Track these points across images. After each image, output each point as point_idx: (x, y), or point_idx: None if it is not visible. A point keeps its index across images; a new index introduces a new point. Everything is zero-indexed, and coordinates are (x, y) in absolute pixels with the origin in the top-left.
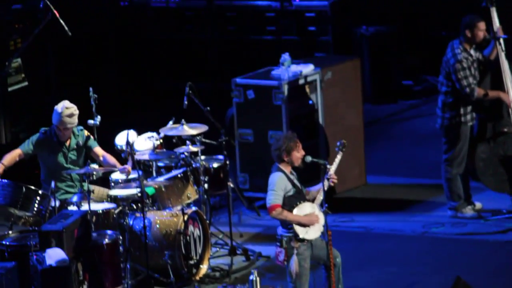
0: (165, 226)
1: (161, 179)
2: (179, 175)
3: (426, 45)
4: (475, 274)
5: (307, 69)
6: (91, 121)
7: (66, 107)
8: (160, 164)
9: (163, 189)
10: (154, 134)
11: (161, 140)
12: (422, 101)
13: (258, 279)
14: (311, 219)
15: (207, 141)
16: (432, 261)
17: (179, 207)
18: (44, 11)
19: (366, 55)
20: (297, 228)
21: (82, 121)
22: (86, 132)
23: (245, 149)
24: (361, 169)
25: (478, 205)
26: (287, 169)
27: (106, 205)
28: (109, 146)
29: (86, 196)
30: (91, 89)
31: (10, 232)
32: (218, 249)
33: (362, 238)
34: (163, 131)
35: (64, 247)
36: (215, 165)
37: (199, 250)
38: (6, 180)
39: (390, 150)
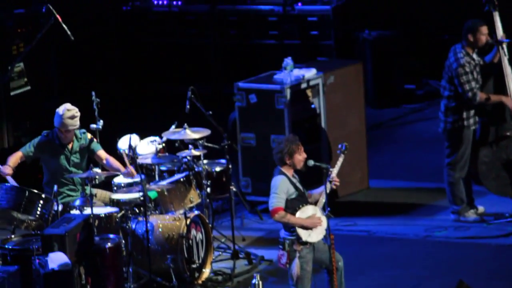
0: (168, 230)
1: (163, 183)
2: (181, 179)
3: (428, 49)
4: (477, 277)
5: (310, 73)
6: (93, 125)
7: (68, 109)
8: (163, 168)
9: (165, 193)
10: (157, 138)
11: (164, 144)
12: (424, 105)
13: (260, 283)
14: (313, 222)
15: (210, 145)
16: (435, 265)
17: (181, 211)
18: (46, 16)
19: (368, 59)
20: (300, 231)
21: (85, 125)
22: (89, 135)
23: (247, 153)
24: (363, 173)
25: (481, 209)
26: (289, 172)
27: (109, 209)
28: (111, 150)
29: (88, 200)
30: (93, 93)
31: (13, 236)
32: (220, 253)
33: (365, 242)
34: (166, 135)
35: (66, 251)
36: (218, 169)
37: (202, 254)
38: (9, 184)
39: (393, 154)
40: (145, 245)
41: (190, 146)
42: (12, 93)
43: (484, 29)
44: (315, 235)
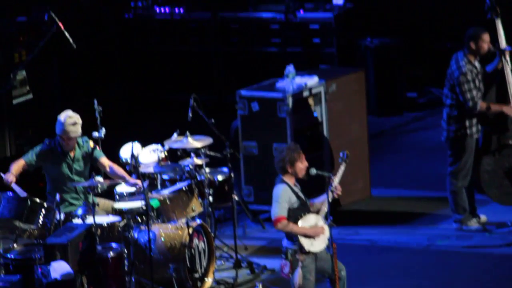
0: (170, 239)
1: (165, 191)
2: (183, 188)
3: (430, 57)
4: (480, 287)
5: (312, 81)
6: (95, 134)
7: (69, 116)
8: (165, 176)
9: (167, 202)
10: (159, 146)
11: (166, 153)
12: (426, 113)
13: None
14: (316, 231)
15: (212, 153)
16: (437, 274)
17: (183, 220)
18: (49, 24)
19: (370, 67)
20: (303, 240)
21: (87, 134)
22: (91, 143)
23: (249, 161)
24: (365, 182)
25: (483, 218)
26: (291, 181)
27: (111, 218)
28: (114, 159)
29: (91, 209)
30: (95, 101)
31: (15, 245)
32: (223, 262)
33: (367, 251)
34: (168, 144)
35: (69, 260)
36: (220, 177)
37: (204, 263)
38: (11, 193)
39: (395, 162)
40: (147, 254)
41: (192, 155)
42: (14, 101)
43: (486, 37)
44: (317, 244)
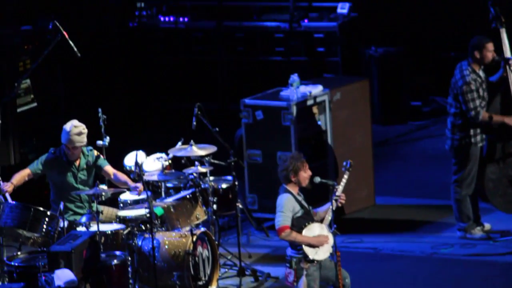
0: (174, 247)
1: (169, 199)
2: (187, 196)
3: (435, 66)
4: None
5: (316, 90)
6: (100, 142)
7: (75, 126)
8: (169, 184)
9: (172, 210)
10: (163, 155)
11: (170, 161)
12: (430, 122)
13: None
14: (320, 240)
15: (216, 161)
16: (441, 282)
17: (187, 228)
18: (53, 32)
19: (375, 76)
20: (307, 249)
21: (91, 142)
22: (95, 152)
23: (253, 169)
24: (370, 190)
25: (487, 226)
26: (295, 190)
27: (115, 226)
28: (118, 167)
29: (95, 216)
30: (100, 110)
31: (19, 253)
32: (226, 270)
33: (371, 259)
34: (172, 152)
35: (72, 268)
36: (224, 185)
37: (208, 271)
38: (14, 202)
39: (399, 171)
40: (151, 262)
41: (197, 163)
42: (18, 110)
43: (491, 46)
44: (322, 253)
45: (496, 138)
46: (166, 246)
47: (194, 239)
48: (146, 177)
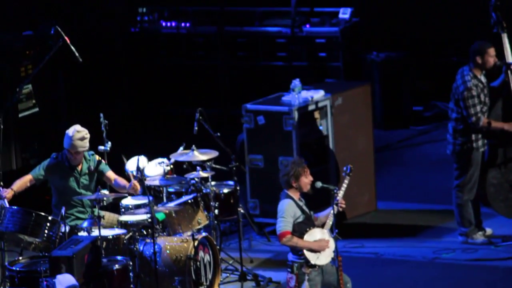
0: (175, 251)
1: (171, 204)
2: (189, 201)
3: (436, 71)
4: None
5: (318, 95)
6: (101, 147)
7: (77, 131)
8: (171, 189)
9: (173, 214)
10: (165, 159)
11: (172, 166)
12: (432, 127)
13: None
14: (321, 245)
15: (218, 166)
16: (443, 287)
17: (189, 233)
18: (55, 38)
19: (376, 81)
20: (308, 254)
21: (93, 147)
22: (97, 157)
23: (255, 174)
24: (371, 195)
25: (489, 231)
26: (296, 196)
27: (117, 231)
28: (120, 172)
29: (96, 221)
30: (101, 115)
31: (20, 258)
32: (228, 274)
33: (373, 264)
34: (174, 157)
35: (74, 273)
36: (226, 190)
37: (209, 276)
38: (15, 207)
39: (401, 176)
40: (152, 267)
41: (198, 168)
42: (20, 115)
43: (492, 51)
44: (323, 258)
45: (497, 143)
46: (168, 251)
47: (196, 244)
48: (147, 182)
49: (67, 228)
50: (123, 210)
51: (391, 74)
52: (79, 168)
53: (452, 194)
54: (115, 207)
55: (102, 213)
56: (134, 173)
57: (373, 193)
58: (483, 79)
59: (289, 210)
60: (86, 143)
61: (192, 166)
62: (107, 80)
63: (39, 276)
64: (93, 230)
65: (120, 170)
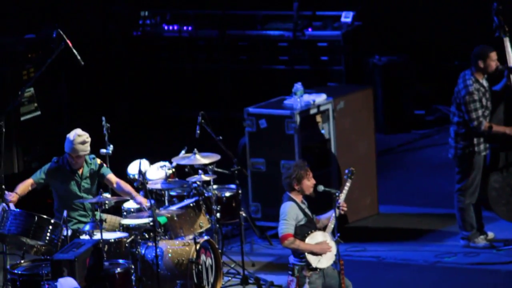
0: (177, 255)
1: (173, 208)
2: (191, 204)
3: (438, 74)
4: None
5: (320, 98)
6: (103, 150)
7: (78, 135)
8: (172, 193)
9: (175, 218)
10: (167, 163)
11: (174, 169)
12: (434, 131)
13: None
14: (323, 248)
15: (220, 170)
16: None
17: (191, 236)
18: (57, 41)
19: (378, 84)
20: (309, 257)
21: (95, 150)
22: (98, 160)
23: (257, 178)
24: (373, 199)
25: (491, 234)
26: (298, 198)
27: (118, 234)
28: (121, 176)
29: (98, 225)
30: (103, 118)
31: (22, 261)
32: (230, 278)
33: (374, 268)
34: (176, 160)
35: (76, 276)
36: (227, 194)
37: (211, 279)
38: (18, 210)
39: (403, 179)
40: (154, 270)
41: (200, 171)
42: (22, 118)
43: (494, 55)
44: (324, 261)
45: (499, 147)
46: (170, 255)
47: (198, 247)
48: (149, 186)
49: (69, 232)
50: (125, 213)
51: (393, 78)
52: (80, 171)
53: (454, 198)
54: (117, 210)
55: (104, 216)
56: (136, 177)
57: (375, 197)
58: (485, 83)
59: (291, 213)
60: (87, 147)
61: (194, 169)
62: (109, 84)
63: (41, 280)
64: (95, 233)
65: (122, 173)
